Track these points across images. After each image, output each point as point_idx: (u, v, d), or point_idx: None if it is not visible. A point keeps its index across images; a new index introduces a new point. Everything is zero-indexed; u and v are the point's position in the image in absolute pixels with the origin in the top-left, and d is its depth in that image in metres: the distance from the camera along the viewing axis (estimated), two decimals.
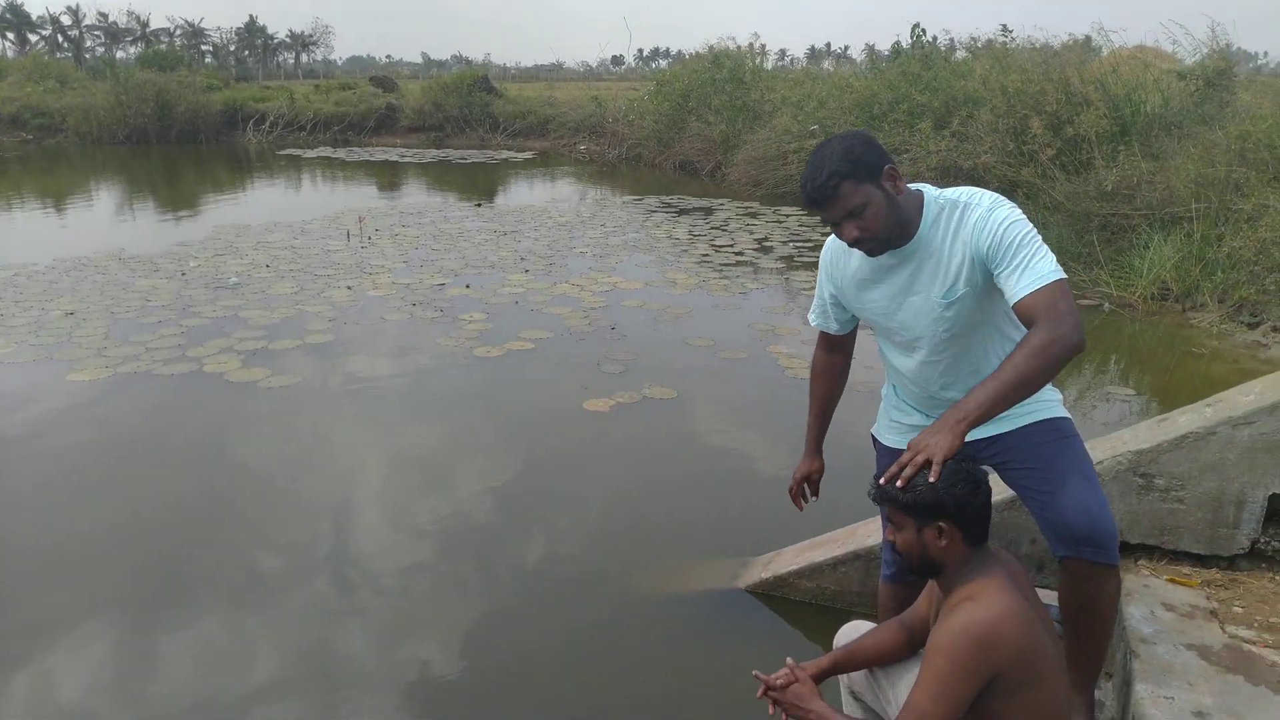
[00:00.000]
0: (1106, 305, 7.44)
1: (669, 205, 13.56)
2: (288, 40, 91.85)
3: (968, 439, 2.09)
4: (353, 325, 7.01)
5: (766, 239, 10.74)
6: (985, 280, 2.16)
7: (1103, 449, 2.99)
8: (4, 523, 4.06)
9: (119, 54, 75.35)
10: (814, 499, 2.69)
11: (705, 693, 3.00)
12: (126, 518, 4.13)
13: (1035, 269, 2.04)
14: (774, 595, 3.43)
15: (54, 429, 5.05)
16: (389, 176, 18.30)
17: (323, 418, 5.29)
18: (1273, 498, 2.80)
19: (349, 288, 8.17)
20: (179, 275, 8.66)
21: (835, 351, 2.66)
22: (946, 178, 11.43)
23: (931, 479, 1.92)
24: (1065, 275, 2.06)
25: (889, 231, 2.16)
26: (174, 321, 7.05)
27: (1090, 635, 2.28)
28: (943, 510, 1.94)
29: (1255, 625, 2.57)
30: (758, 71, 19.08)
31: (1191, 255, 7.57)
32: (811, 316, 2.62)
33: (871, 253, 2.21)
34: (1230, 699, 2.22)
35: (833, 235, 2.36)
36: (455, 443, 4.98)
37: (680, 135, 18.50)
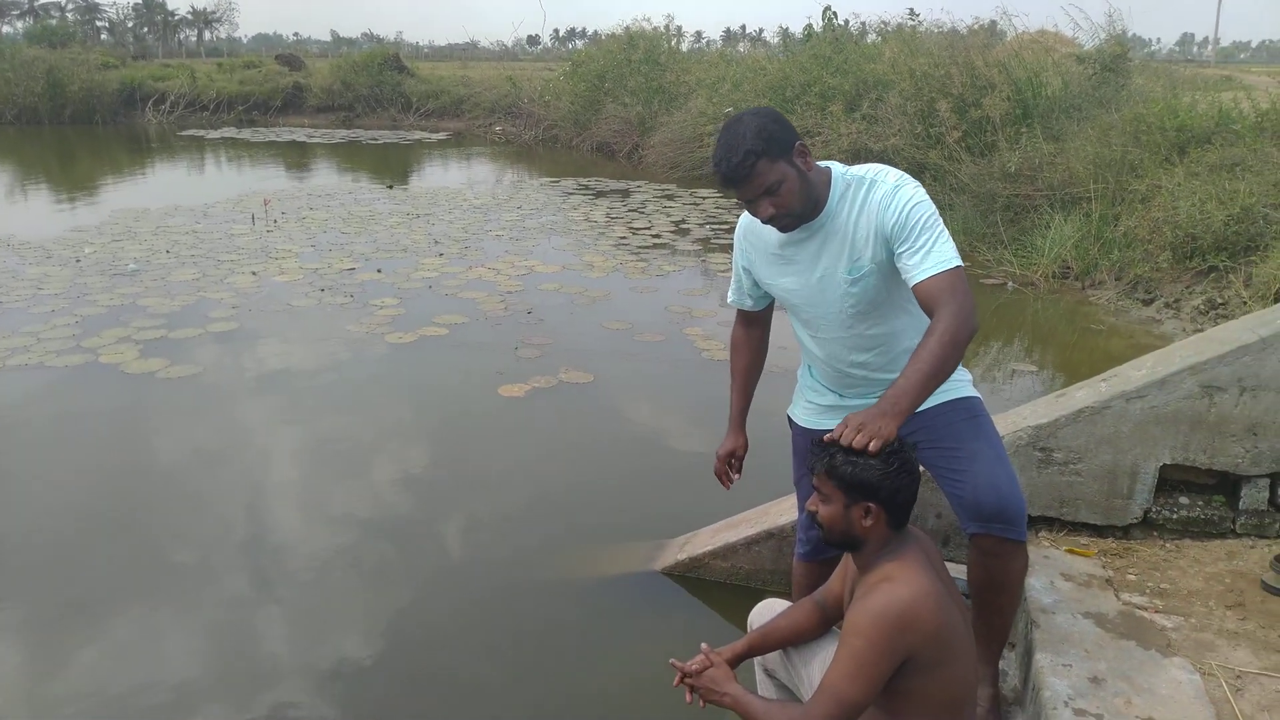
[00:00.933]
0: (1010, 284, 7.66)
1: (586, 187, 13.49)
2: (189, 17, 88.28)
3: None
4: (258, 312, 6.79)
5: (684, 221, 10.77)
6: (889, 258, 2.19)
7: (1004, 424, 3.07)
8: None
9: (5, 29, 71.53)
10: (738, 477, 2.67)
11: (622, 676, 3.00)
12: (22, 517, 3.93)
13: (937, 253, 2.08)
14: (690, 576, 3.44)
15: None
16: (296, 157, 17.78)
17: (228, 408, 5.12)
18: (1164, 468, 2.92)
19: (254, 273, 7.92)
20: (73, 262, 8.27)
21: (753, 326, 2.67)
22: (857, 160, 11.59)
23: (872, 449, 1.91)
24: (962, 262, 2.12)
25: (802, 207, 2.17)
26: (67, 310, 6.73)
27: (998, 610, 2.33)
28: (876, 493, 1.94)
29: (1147, 592, 2.68)
30: (673, 53, 19.07)
31: (1090, 234, 7.84)
32: (730, 295, 2.63)
33: (785, 229, 2.22)
34: (1123, 664, 2.31)
35: (743, 217, 2.40)
36: (368, 432, 4.87)
37: (597, 117, 18.40)
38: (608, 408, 5.19)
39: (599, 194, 12.84)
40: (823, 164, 2.25)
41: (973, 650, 1.99)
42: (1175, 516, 2.95)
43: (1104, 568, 2.80)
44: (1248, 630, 2.47)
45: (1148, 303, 7.00)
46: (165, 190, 13.18)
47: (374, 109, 25.08)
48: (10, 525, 3.86)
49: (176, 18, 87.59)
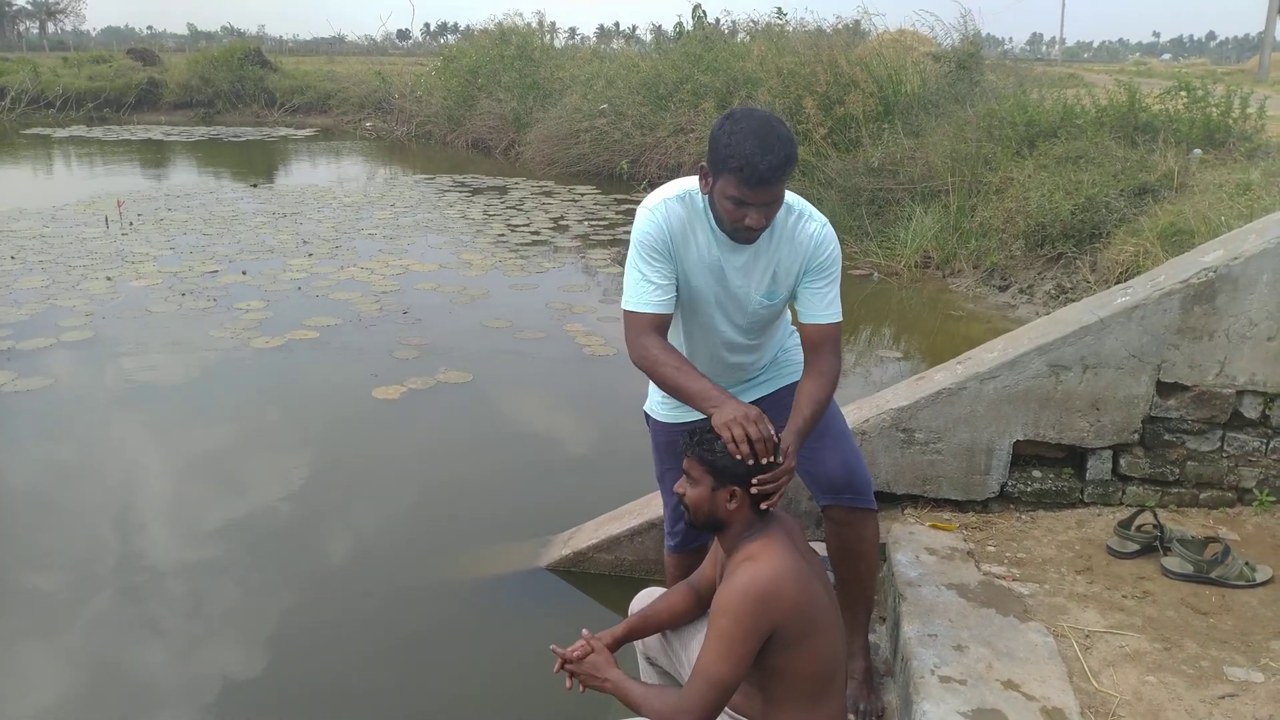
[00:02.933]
0: (876, 275, 7.95)
1: (462, 185, 13.30)
2: (29, 8, 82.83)
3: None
4: (114, 319, 6.45)
5: (563, 218, 10.75)
6: (797, 288, 2.30)
7: (868, 408, 3.19)
8: None
9: None
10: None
11: (508, 673, 2.99)
12: None
13: (836, 303, 2.28)
14: (575, 571, 3.45)
15: None
16: (153, 156, 16.92)
17: (86, 421, 4.85)
18: (1017, 444, 3.09)
19: (108, 278, 7.50)
20: None
21: (664, 332, 2.35)
22: None
23: (785, 463, 2.01)
24: None
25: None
26: None
27: (857, 578, 2.45)
28: (736, 477, 2.00)
29: (1005, 561, 2.83)
30: (547, 50, 19.00)
31: (949, 225, 8.21)
32: (648, 303, 2.21)
33: (748, 241, 2.16)
34: (984, 630, 2.44)
35: (659, 216, 2.20)
36: (237, 441, 4.69)
37: (471, 113, 18.17)
38: (488, 407, 5.14)
39: (475, 191, 12.69)
40: None
41: (838, 625, 2.07)
42: (1029, 489, 3.12)
43: (965, 541, 2.95)
44: (1095, 592, 2.64)
45: (1003, 289, 7.38)
46: (8, 192, 12.34)
47: (235, 105, 24.10)
48: None
49: (14, 8, 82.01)
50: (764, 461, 1.97)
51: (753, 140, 1.98)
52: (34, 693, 2.89)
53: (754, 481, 1.98)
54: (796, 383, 2.42)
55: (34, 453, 4.51)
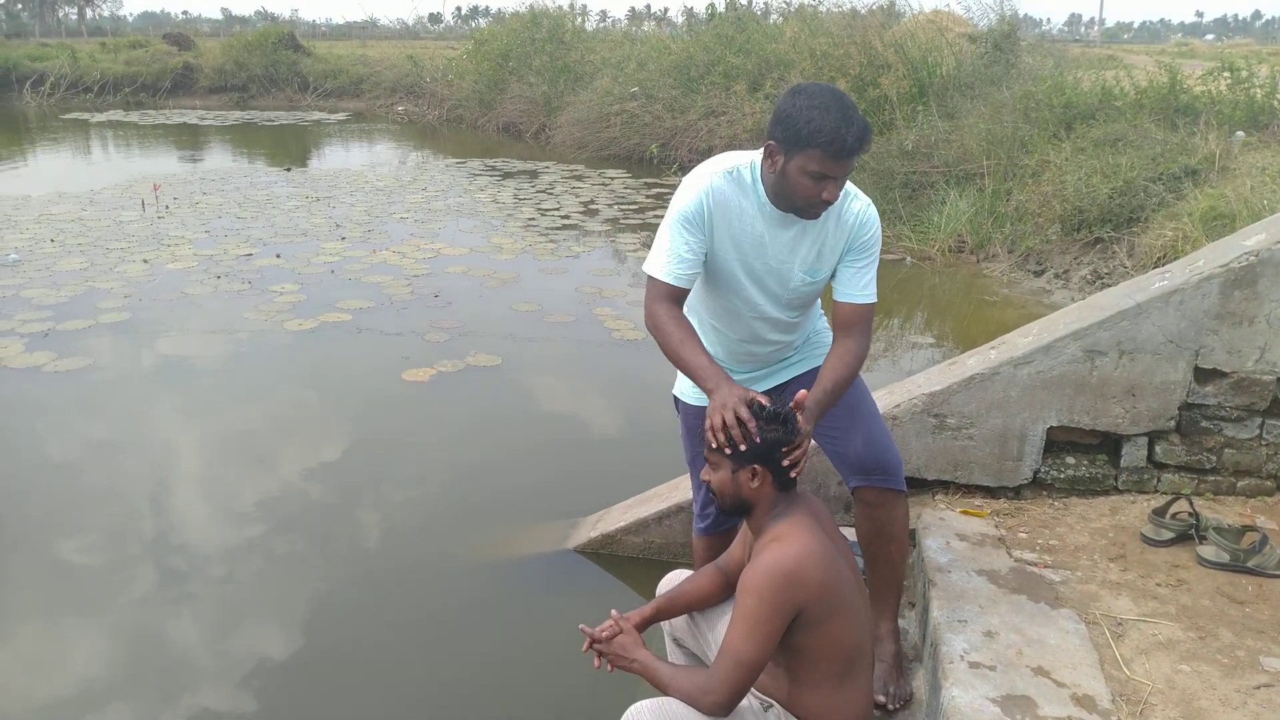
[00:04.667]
0: (908, 259, 7.87)
1: (493, 168, 13.33)
2: None
3: (765, 389, 2.38)
4: (151, 301, 6.54)
5: (592, 202, 10.74)
6: (837, 266, 2.30)
7: (900, 393, 3.17)
8: None
9: None
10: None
11: (537, 652, 3.01)
12: None
13: (872, 284, 2.29)
14: (603, 553, 3.47)
15: None
16: (188, 140, 17.10)
17: (124, 401, 4.94)
18: (1051, 430, 3.05)
19: (145, 261, 7.61)
20: None
21: (680, 303, 2.37)
22: (762, 138, 11.69)
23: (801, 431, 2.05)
24: None
25: None
26: None
27: (888, 560, 2.44)
28: (755, 455, 2.01)
29: (1037, 548, 2.80)
30: (578, 32, 18.94)
31: (984, 209, 8.11)
32: (671, 273, 2.22)
33: (813, 217, 2.18)
34: (1015, 617, 2.42)
35: (702, 190, 2.18)
36: (271, 422, 4.75)
37: (502, 96, 18.17)
38: (517, 390, 5.16)
39: (506, 175, 12.71)
40: None
41: (864, 607, 2.07)
42: (1063, 476, 3.09)
43: (996, 527, 2.92)
44: (1128, 580, 2.61)
45: (1038, 274, 7.28)
46: (48, 176, 12.53)
47: (269, 89, 24.25)
48: None
49: None
50: (741, 448, 1.99)
51: (835, 114, 2.00)
52: (73, 665, 2.96)
53: (784, 453, 2.01)
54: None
55: (73, 431, 4.60)
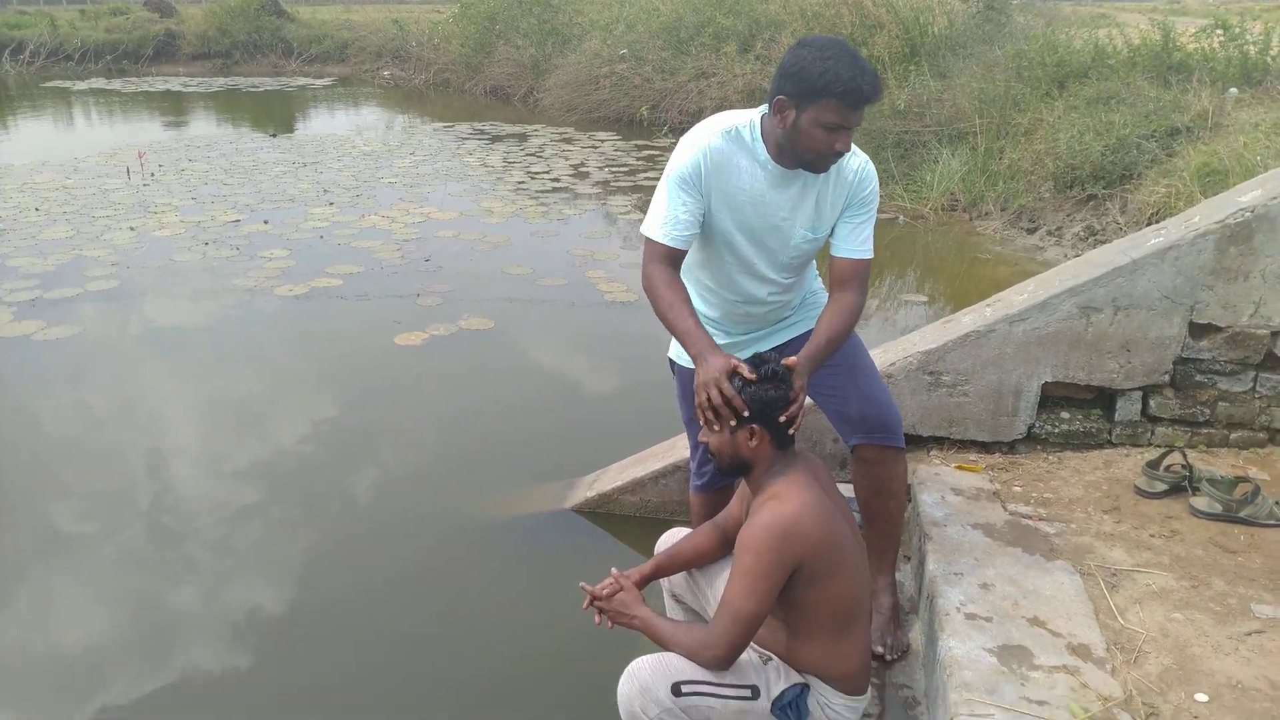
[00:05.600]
0: (901, 218, 7.85)
1: (481, 132, 13.19)
2: None
3: (770, 347, 2.36)
4: (139, 269, 6.48)
5: (583, 164, 10.65)
6: (836, 222, 2.30)
7: (895, 351, 3.17)
8: None
9: None
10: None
11: (537, 611, 3.03)
12: None
13: (870, 240, 2.28)
14: (600, 513, 3.48)
15: None
16: (172, 107, 16.87)
17: (115, 368, 4.92)
18: (1046, 386, 3.06)
19: (132, 229, 7.53)
20: None
21: (676, 265, 2.35)
22: (753, 100, 11.64)
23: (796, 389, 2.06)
24: None
25: None
26: None
27: (886, 517, 2.46)
28: (752, 414, 2.01)
29: (1031, 501, 2.82)
30: None
31: (976, 168, 8.08)
32: (668, 233, 2.22)
33: (822, 170, 2.17)
34: (1010, 569, 2.44)
35: (699, 151, 2.18)
36: (263, 387, 4.74)
37: (489, 60, 17.93)
38: (510, 353, 5.15)
39: (495, 139, 12.58)
40: None
41: (862, 562, 2.08)
42: (1057, 430, 3.10)
43: (991, 482, 2.94)
44: (1122, 531, 2.63)
45: (1031, 231, 7.27)
46: (30, 145, 12.35)
47: (253, 55, 23.87)
48: None
49: None
50: (732, 423, 2.02)
51: (848, 63, 2.01)
52: (68, 628, 2.97)
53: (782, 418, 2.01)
54: None
55: (64, 398, 4.57)
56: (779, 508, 1.97)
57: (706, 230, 2.29)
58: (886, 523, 2.49)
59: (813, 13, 11.17)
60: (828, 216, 2.27)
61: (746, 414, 2.00)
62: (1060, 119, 7.55)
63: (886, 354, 3.21)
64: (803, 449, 2.16)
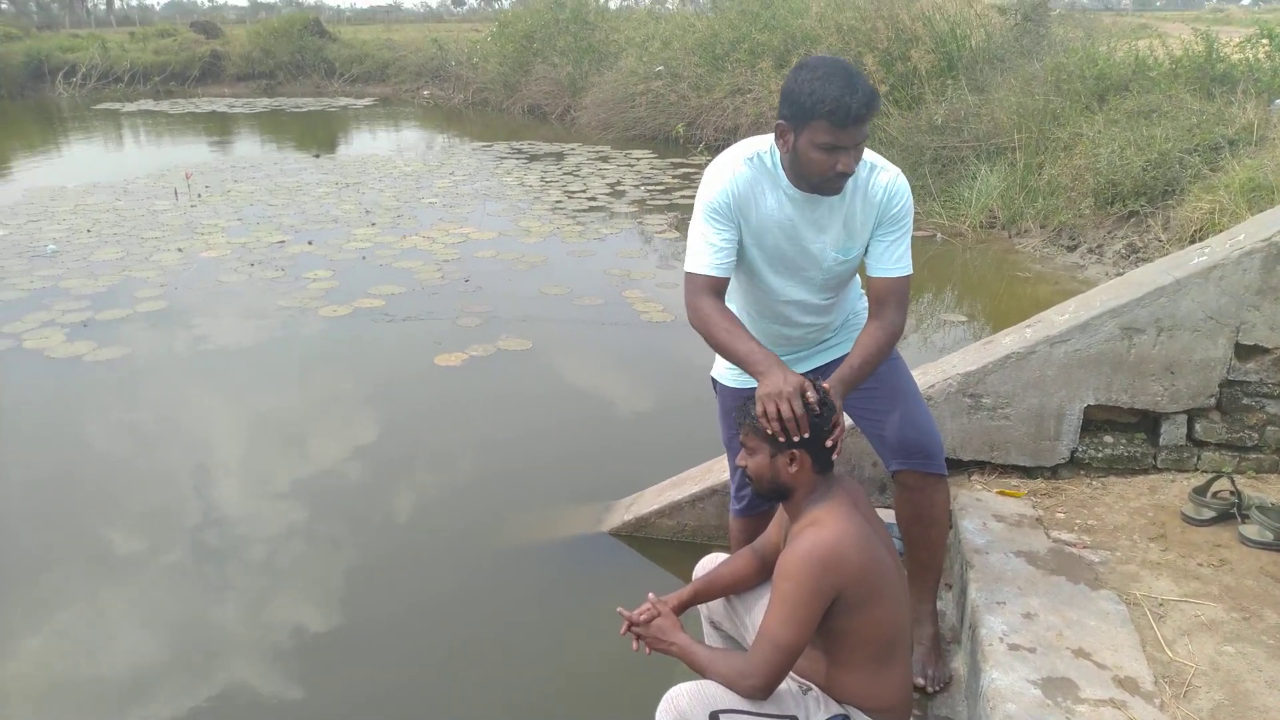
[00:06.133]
0: (939, 236, 7.80)
1: (519, 151, 13.33)
2: None
3: (808, 370, 2.35)
4: (186, 290, 6.63)
5: (619, 183, 10.72)
6: (870, 241, 2.26)
7: (934, 373, 3.15)
8: None
9: None
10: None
11: (571, 634, 3.04)
12: None
13: (906, 256, 2.24)
14: (637, 536, 3.49)
15: None
16: (218, 128, 17.23)
17: (163, 389, 5.04)
18: (1088, 409, 3.02)
19: (180, 250, 7.70)
20: None
21: (720, 295, 2.36)
22: None
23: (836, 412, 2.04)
24: None
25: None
26: None
27: (926, 544, 2.43)
28: (797, 442, 2.00)
29: (1075, 528, 2.78)
30: (602, 12, 18.83)
31: (1015, 184, 8.00)
32: (708, 265, 2.22)
33: (837, 190, 2.14)
34: (1054, 599, 2.41)
35: (725, 178, 2.20)
36: (307, 406, 4.82)
37: (526, 78, 18.13)
38: (548, 373, 5.19)
39: (532, 158, 12.70)
40: None
41: (903, 590, 2.06)
42: (1100, 455, 3.06)
43: (1034, 508, 2.90)
44: (1169, 560, 2.59)
45: (1072, 249, 7.18)
46: (82, 167, 12.68)
47: (296, 76, 24.35)
48: None
49: None
50: (795, 439, 1.97)
51: (838, 82, 1.98)
52: (117, 640, 3.04)
53: (828, 442, 2.01)
54: None
55: (115, 418, 4.69)
56: (818, 534, 1.96)
57: (740, 256, 2.30)
58: (927, 549, 2.47)
59: (849, 27, 11.15)
60: (859, 236, 2.25)
61: (806, 435, 1.99)
62: (1100, 133, 7.46)
63: (926, 376, 3.18)
64: (841, 473, 2.15)
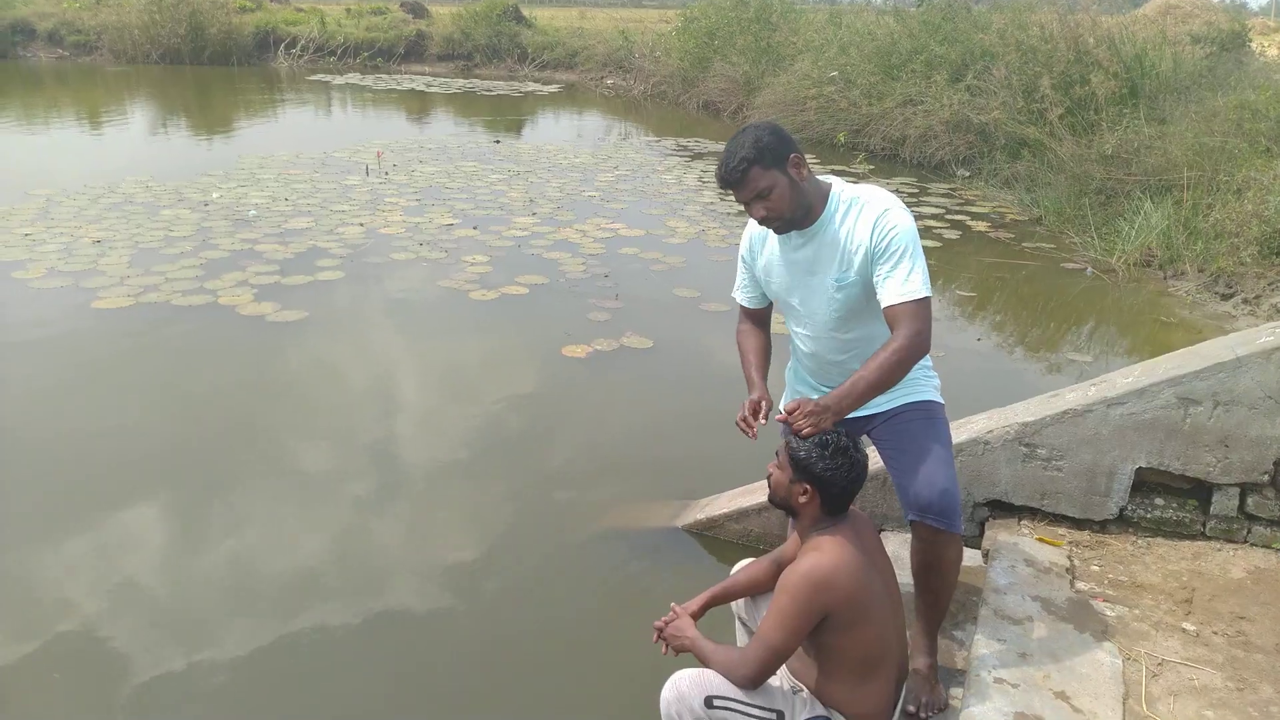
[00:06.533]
0: (1090, 270, 7.63)
1: (685, 149, 13.71)
2: None
3: (853, 416, 2.55)
4: (361, 263, 7.38)
5: None
6: (873, 278, 2.49)
7: (997, 419, 3.32)
8: (47, 424, 4.69)
9: None
10: (764, 421, 2.55)
11: (636, 617, 3.38)
12: (163, 424, 4.75)
13: (910, 282, 2.40)
14: (706, 535, 3.82)
15: (79, 349, 5.52)
16: (415, 107, 18.48)
17: (328, 352, 5.74)
18: (1140, 470, 3.12)
19: (361, 224, 8.52)
20: (201, 206, 9.04)
21: (756, 323, 2.90)
22: (957, 131, 11.51)
23: (805, 434, 2.31)
24: (931, 294, 2.43)
25: (792, 212, 2.48)
26: (194, 254, 7.45)
27: (931, 590, 2.62)
28: (813, 478, 2.29)
29: (1105, 582, 2.92)
30: (786, 13, 18.91)
31: (1179, 223, 7.72)
32: (739, 296, 2.87)
33: (778, 230, 2.54)
34: (1054, 644, 2.59)
35: (746, 230, 2.73)
36: (432, 385, 5.39)
37: (705, 74, 18.46)
38: (662, 373, 5.55)
39: (696, 156, 13.06)
40: (823, 178, 2.56)
41: (894, 619, 2.32)
42: (1149, 515, 3.15)
43: (1069, 558, 3.04)
44: (1186, 625, 2.70)
45: (1226, 297, 6.92)
46: (290, 135, 13.98)
47: (491, 59, 25.63)
48: (155, 429, 4.71)
49: None
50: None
51: (725, 152, 2.44)
52: (291, 553, 3.75)
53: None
54: (915, 402, 2.63)
55: (286, 372, 5.47)
56: (818, 559, 2.24)
57: (770, 296, 2.78)
58: (933, 594, 2.62)
59: (1029, 46, 10.90)
60: (855, 260, 2.48)
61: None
62: (1276, 179, 7.11)
63: (989, 421, 3.35)
64: (855, 510, 2.41)
